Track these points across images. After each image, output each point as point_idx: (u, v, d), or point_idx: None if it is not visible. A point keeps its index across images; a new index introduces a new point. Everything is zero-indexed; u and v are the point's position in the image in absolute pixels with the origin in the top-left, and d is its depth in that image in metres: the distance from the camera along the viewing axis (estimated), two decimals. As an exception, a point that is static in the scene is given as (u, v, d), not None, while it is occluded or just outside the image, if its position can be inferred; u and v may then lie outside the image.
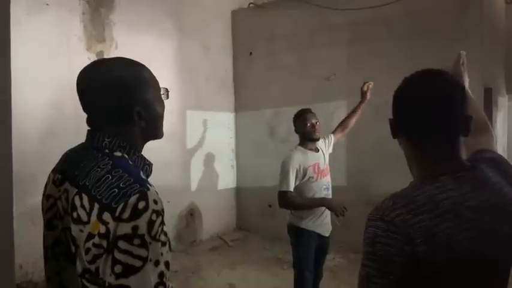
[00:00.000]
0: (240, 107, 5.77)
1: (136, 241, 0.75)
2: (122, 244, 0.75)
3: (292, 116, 2.80)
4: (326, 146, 2.85)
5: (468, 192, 0.84)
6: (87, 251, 0.75)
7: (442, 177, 0.85)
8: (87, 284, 0.77)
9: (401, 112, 0.99)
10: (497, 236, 0.84)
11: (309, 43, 5.01)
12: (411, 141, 0.95)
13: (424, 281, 0.78)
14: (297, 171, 2.55)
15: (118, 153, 0.86)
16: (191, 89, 5.04)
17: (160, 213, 0.80)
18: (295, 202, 2.56)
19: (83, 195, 0.78)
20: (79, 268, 0.77)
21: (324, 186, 2.65)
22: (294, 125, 2.77)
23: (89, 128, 0.91)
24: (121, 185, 0.78)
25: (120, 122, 0.90)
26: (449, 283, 0.80)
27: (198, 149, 5.21)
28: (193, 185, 5.17)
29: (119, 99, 0.88)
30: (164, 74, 4.67)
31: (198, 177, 5.24)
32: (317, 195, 2.61)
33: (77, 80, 0.89)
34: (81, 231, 0.77)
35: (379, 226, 0.81)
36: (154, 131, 0.99)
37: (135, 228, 0.75)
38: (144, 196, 0.78)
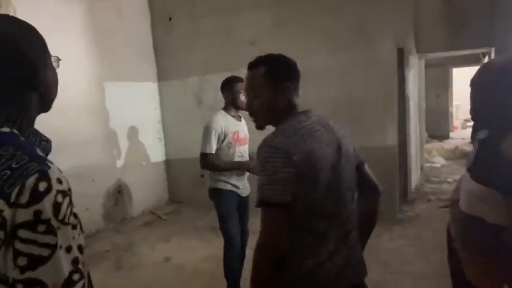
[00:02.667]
0: (163, 76, 5.50)
1: (41, 227, 0.65)
2: (23, 233, 0.64)
3: (220, 83, 2.76)
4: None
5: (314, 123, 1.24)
6: None
7: (299, 114, 1.26)
8: None
9: None
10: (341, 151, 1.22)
11: (231, 6, 4.85)
12: None
13: (300, 182, 1.12)
14: (219, 135, 2.65)
15: (5, 129, 0.72)
16: (107, 59, 4.66)
17: (67, 193, 0.69)
18: (216, 164, 2.67)
19: None
20: None
21: (239, 154, 2.74)
22: (222, 92, 2.75)
23: None
24: (13, 166, 0.66)
25: (10, 90, 0.75)
26: (314, 182, 1.14)
27: (120, 122, 4.91)
28: (119, 161, 4.90)
29: (11, 61, 0.73)
30: (73, 43, 4.24)
31: (124, 153, 4.97)
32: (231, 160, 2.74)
33: None
34: None
35: (267, 150, 1.15)
36: (50, 102, 0.85)
37: (37, 213, 0.64)
38: (44, 175, 0.66)
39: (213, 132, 2.62)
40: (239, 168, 2.69)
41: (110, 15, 4.79)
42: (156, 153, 5.50)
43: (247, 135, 2.82)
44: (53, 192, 0.66)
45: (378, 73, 4.10)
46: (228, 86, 2.69)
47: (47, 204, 0.65)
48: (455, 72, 11.52)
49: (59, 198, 0.67)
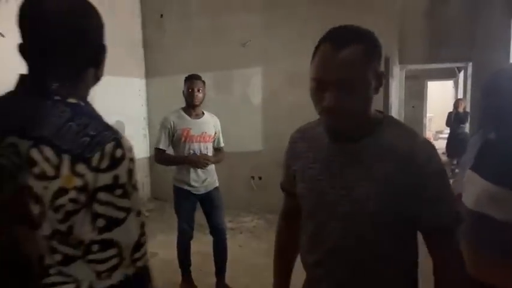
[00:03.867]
0: (151, 72, 5.47)
1: (118, 191, 0.69)
2: (102, 196, 0.68)
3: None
4: (216, 125, 3.03)
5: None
6: (58, 208, 0.66)
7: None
8: (58, 247, 0.68)
9: None
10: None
11: (223, 6, 4.91)
12: None
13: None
14: (169, 131, 2.82)
15: (73, 100, 0.76)
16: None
17: (135, 161, 0.74)
18: (163, 158, 2.89)
19: (43, 147, 0.68)
20: (46, 230, 0.68)
21: (191, 151, 2.86)
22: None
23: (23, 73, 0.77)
24: (91, 133, 0.70)
25: (76, 64, 0.78)
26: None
27: (105, 117, 4.84)
28: (103, 156, 4.84)
29: (84, 37, 0.77)
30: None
31: (108, 147, 4.91)
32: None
33: (26, 5, 0.74)
34: (46, 188, 0.67)
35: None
36: (99, 80, 0.89)
37: (116, 177, 0.69)
38: (119, 143, 0.71)
39: (162, 128, 2.83)
40: (182, 162, 2.82)
41: (100, 9, 4.74)
42: (140, 149, 5.46)
43: (210, 134, 2.93)
44: (127, 159, 0.71)
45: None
46: (184, 82, 2.88)
47: (123, 170, 0.70)
48: (430, 85, 11.99)
49: (131, 165, 0.72)
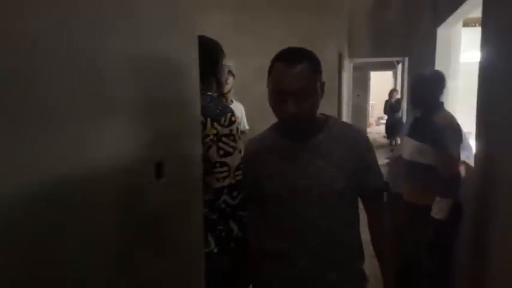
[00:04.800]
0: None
1: (231, 138, 1.34)
2: (224, 139, 1.33)
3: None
4: (241, 111, 3.50)
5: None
6: (205, 144, 1.30)
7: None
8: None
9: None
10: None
11: (199, 6, 5.42)
12: None
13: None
14: None
15: (209, 93, 1.39)
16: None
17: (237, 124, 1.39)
18: None
19: (207, 118, 1.32)
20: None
21: None
22: None
23: None
24: (219, 108, 1.34)
25: (208, 76, 1.41)
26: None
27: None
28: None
29: (211, 60, 1.43)
30: None
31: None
32: None
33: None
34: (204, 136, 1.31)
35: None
36: (221, 85, 1.58)
37: (231, 130, 1.34)
38: (233, 114, 1.37)
39: None
40: None
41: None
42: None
43: (238, 117, 3.46)
44: (236, 122, 1.35)
45: (326, 73, 5.04)
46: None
47: (234, 127, 1.35)
48: (373, 75, 13.23)
49: (237, 125, 1.36)
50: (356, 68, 10.66)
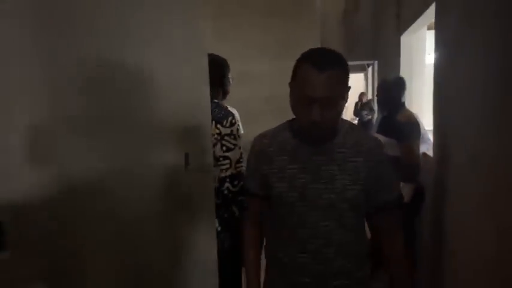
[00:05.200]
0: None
1: (232, 136, 1.64)
2: (226, 138, 1.63)
3: None
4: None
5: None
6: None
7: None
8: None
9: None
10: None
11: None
12: None
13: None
14: None
15: (215, 100, 1.69)
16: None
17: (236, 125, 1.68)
18: None
19: (212, 121, 1.61)
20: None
21: None
22: None
23: None
24: (222, 112, 1.64)
25: (216, 88, 1.73)
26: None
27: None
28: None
29: (219, 74, 1.72)
30: None
31: None
32: None
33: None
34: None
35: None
36: (226, 94, 1.89)
37: (232, 130, 1.65)
38: (233, 117, 1.67)
39: None
40: None
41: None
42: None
43: None
44: (236, 124, 1.65)
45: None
46: None
47: (234, 128, 1.65)
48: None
49: (237, 126, 1.66)
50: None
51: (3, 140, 0.72)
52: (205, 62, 1.31)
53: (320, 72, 1.02)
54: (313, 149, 1.17)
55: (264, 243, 1.34)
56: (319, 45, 5.73)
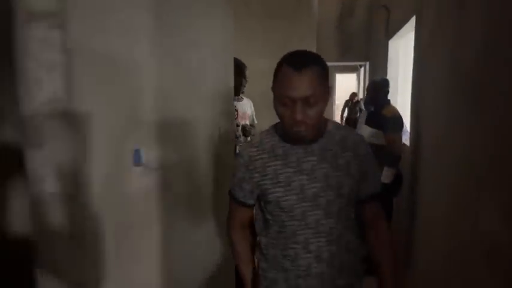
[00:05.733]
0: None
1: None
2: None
3: None
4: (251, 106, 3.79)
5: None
6: None
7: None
8: None
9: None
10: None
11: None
12: None
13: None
14: None
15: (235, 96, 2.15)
16: None
17: None
18: None
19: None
20: None
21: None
22: None
23: None
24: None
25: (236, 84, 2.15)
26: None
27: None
28: None
29: (240, 74, 2.17)
30: None
31: None
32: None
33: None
34: None
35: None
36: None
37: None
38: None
39: None
40: None
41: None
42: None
43: (248, 113, 3.64)
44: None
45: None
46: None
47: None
48: (338, 77, 14.24)
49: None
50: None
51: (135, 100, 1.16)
52: (232, 62, 1.74)
53: (298, 72, 1.05)
54: (304, 151, 1.19)
55: (259, 247, 1.33)
56: (315, 47, 6.23)
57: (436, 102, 2.19)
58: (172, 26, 1.28)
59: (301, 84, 1.05)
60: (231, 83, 1.76)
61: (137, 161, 1.23)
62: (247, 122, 3.56)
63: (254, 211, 1.31)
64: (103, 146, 1.09)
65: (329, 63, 5.20)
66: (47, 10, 0.72)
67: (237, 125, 3.22)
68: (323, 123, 1.21)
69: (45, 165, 0.96)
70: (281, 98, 1.09)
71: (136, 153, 1.22)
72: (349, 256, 1.25)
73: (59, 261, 1.09)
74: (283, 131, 1.19)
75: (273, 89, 1.12)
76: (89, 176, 1.09)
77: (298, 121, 1.08)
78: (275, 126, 1.25)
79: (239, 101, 3.66)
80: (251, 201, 1.27)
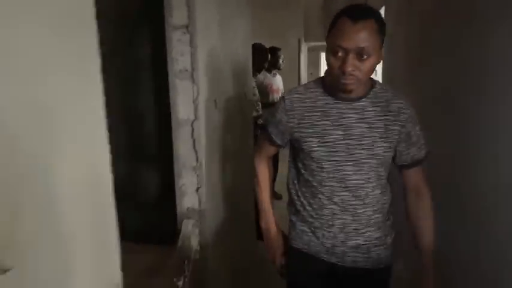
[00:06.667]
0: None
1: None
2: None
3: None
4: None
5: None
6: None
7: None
8: None
9: None
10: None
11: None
12: None
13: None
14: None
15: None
16: None
17: None
18: None
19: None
20: None
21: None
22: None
23: None
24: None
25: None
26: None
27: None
28: None
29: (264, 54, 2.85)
30: None
31: None
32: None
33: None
34: None
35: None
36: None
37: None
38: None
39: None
40: None
41: None
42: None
43: (281, 88, 4.13)
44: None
45: (289, 55, 6.54)
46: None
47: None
48: (323, 55, 14.89)
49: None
50: (309, 50, 12.26)
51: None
52: (250, 48, 2.43)
53: (354, 23, 1.06)
54: (345, 106, 1.20)
55: (292, 190, 1.36)
56: (302, 29, 6.94)
57: (397, 77, 2.93)
58: (227, 25, 1.95)
59: (356, 35, 1.06)
60: (250, 63, 2.46)
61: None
62: (280, 95, 3.79)
63: (288, 160, 1.37)
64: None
65: (315, 43, 6.19)
66: (181, 24, 1.41)
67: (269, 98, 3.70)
68: (371, 82, 1.23)
69: None
70: (334, 47, 1.10)
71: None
72: (375, 213, 1.26)
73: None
74: (330, 83, 1.21)
75: (327, 38, 1.15)
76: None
77: (348, 72, 1.09)
78: (322, 78, 1.26)
79: (274, 76, 4.01)
80: (279, 142, 1.34)
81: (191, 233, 1.47)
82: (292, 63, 6.58)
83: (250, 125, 2.47)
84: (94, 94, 0.57)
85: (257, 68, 3.45)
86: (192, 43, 1.39)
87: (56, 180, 0.50)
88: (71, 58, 0.52)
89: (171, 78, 1.42)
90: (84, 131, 0.56)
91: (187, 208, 1.51)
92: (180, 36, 1.38)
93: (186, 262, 1.39)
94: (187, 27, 1.37)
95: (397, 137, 1.21)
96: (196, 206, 1.51)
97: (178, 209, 1.50)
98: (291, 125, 1.26)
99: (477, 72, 1.51)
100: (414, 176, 1.29)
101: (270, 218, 1.42)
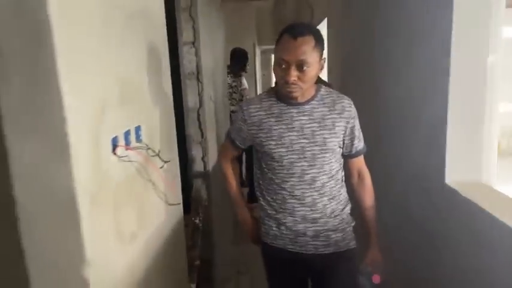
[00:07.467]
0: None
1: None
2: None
3: None
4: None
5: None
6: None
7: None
8: None
9: None
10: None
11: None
12: None
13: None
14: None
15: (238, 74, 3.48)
16: None
17: None
18: None
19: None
20: None
21: None
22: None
23: None
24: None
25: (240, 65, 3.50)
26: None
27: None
28: None
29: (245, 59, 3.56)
30: None
31: None
32: None
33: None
34: None
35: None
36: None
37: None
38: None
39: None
40: None
41: None
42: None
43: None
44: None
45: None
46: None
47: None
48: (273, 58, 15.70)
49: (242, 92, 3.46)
50: (261, 53, 13.01)
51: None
52: (224, 54, 3.06)
53: (294, 39, 1.23)
54: (296, 111, 1.36)
55: (258, 188, 1.51)
56: (255, 34, 7.68)
57: (338, 79, 3.68)
58: (215, 41, 2.57)
59: (297, 50, 1.23)
60: (226, 66, 3.10)
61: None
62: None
63: (254, 162, 1.54)
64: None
65: (267, 46, 7.06)
66: (189, 40, 2.02)
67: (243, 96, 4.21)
68: (316, 88, 1.40)
69: None
70: (279, 60, 1.29)
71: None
72: (331, 202, 1.41)
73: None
74: (279, 92, 1.37)
75: (274, 53, 1.32)
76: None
77: (291, 82, 1.26)
78: (273, 89, 1.44)
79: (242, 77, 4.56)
80: (242, 146, 1.53)
81: (201, 188, 2.08)
82: (250, 66, 7.29)
83: (228, 111, 3.09)
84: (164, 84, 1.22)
85: (239, 70, 4.09)
86: (196, 54, 2.00)
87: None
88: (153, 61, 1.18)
89: (183, 78, 2.02)
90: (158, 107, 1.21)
91: (197, 171, 2.12)
92: (188, 49, 1.99)
93: (199, 207, 1.99)
94: (193, 43, 1.98)
95: (343, 132, 1.39)
96: (202, 169, 2.12)
97: (191, 172, 2.10)
98: (252, 132, 1.43)
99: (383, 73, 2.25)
100: (357, 163, 1.51)
101: (243, 209, 1.60)
